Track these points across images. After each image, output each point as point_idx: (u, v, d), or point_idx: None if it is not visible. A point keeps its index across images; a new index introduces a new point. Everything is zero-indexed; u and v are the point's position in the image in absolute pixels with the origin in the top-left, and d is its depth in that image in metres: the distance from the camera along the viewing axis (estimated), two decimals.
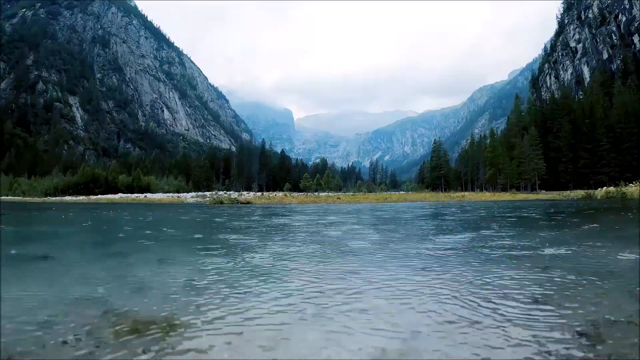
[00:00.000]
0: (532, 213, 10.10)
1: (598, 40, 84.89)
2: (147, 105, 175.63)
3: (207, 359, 1.27)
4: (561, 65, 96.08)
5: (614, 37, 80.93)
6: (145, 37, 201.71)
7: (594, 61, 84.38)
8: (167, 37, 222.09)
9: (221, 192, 38.39)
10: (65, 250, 4.22)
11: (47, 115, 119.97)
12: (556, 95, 64.08)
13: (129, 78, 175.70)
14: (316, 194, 43.73)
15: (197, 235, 5.74)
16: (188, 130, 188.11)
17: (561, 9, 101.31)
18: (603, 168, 47.37)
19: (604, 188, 24.57)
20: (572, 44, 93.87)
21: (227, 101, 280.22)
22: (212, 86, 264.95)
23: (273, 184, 78.49)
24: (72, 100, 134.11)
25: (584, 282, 2.28)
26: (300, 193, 48.58)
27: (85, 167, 66.89)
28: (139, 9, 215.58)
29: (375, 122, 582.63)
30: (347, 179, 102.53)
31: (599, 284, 2.23)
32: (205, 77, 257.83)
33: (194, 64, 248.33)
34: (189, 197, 35.06)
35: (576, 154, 50.33)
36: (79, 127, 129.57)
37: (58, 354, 1.31)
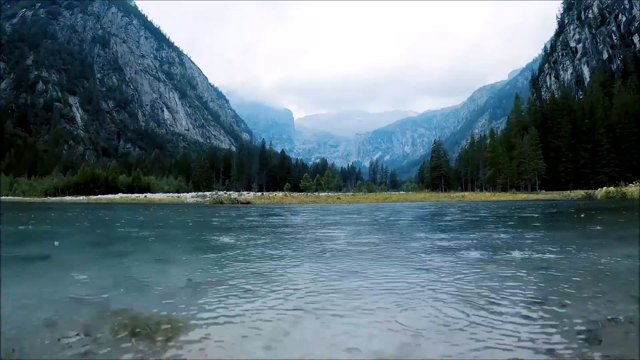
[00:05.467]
0: (532, 213, 10.10)
1: (598, 40, 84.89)
2: (147, 105, 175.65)
3: (207, 359, 1.27)
4: (561, 65, 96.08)
5: (614, 37, 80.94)
6: (145, 37, 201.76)
7: (594, 61, 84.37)
8: (167, 37, 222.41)
9: (221, 192, 38.37)
10: (65, 250, 4.22)
11: (47, 115, 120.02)
12: (556, 95, 64.08)
13: (129, 78, 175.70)
14: (316, 194, 43.74)
15: (196, 235, 5.74)
16: (188, 130, 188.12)
17: (561, 9, 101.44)
18: (603, 168, 47.40)
19: (604, 188, 24.58)
20: (572, 44, 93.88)
21: (227, 101, 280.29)
22: (212, 86, 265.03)
23: (273, 184, 78.47)
24: (72, 100, 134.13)
25: (584, 282, 2.28)
26: (300, 193, 48.59)
27: (85, 167, 66.87)
28: (139, 9, 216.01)
29: (375, 122, 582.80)
30: (347, 179, 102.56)
31: (598, 284, 2.23)
32: (205, 77, 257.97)
33: (194, 64, 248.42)
34: (189, 197, 35.08)
35: (576, 154, 50.35)
36: (79, 127, 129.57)
37: (58, 354, 1.30)
